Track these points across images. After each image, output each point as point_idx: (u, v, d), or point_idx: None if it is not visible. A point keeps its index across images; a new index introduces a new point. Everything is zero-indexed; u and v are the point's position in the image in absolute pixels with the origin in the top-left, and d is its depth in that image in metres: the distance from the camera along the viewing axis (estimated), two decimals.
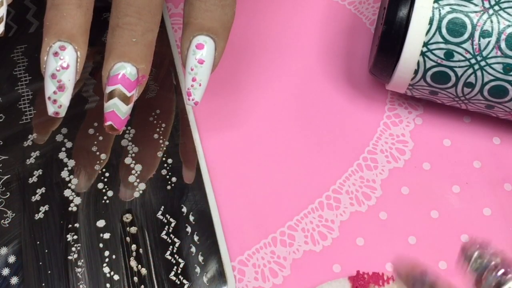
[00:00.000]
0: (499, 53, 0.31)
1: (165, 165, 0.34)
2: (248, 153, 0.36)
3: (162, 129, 0.35)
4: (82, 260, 0.32)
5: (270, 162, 0.35)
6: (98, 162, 0.34)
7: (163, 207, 0.34)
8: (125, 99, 0.29)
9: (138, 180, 0.34)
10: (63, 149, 0.35)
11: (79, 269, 0.32)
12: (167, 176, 0.34)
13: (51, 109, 0.29)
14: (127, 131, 0.35)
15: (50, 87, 0.29)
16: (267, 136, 0.36)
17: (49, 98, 0.29)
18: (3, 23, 0.29)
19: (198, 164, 0.35)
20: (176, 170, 0.34)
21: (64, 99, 0.29)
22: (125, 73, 0.29)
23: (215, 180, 0.35)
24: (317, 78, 0.38)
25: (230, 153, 0.36)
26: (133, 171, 0.34)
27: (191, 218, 0.33)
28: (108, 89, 0.29)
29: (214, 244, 0.33)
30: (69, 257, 0.32)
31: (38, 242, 0.32)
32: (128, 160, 0.35)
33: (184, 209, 0.33)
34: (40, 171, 0.34)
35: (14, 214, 0.33)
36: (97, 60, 0.37)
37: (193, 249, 0.33)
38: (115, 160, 0.34)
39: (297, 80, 0.38)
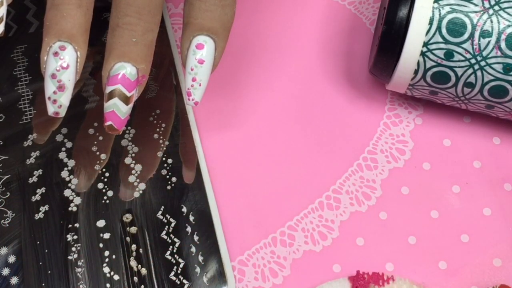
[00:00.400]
0: (499, 53, 0.31)
1: (165, 165, 0.34)
2: (248, 153, 0.36)
3: (162, 129, 0.35)
4: (82, 260, 0.32)
5: (270, 162, 0.35)
6: (98, 162, 0.34)
7: (163, 207, 0.34)
8: (125, 99, 0.29)
9: (138, 180, 0.34)
10: (63, 149, 0.35)
11: (79, 269, 0.32)
12: (167, 176, 0.34)
13: (51, 109, 0.29)
14: (127, 131, 0.35)
15: (50, 87, 0.29)
16: (267, 136, 0.36)
17: (49, 98, 0.29)
18: (3, 23, 0.29)
19: (198, 164, 0.35)
20: (176, 170, 0.34)
21: (64, 99, 0.29)
22: (125, 73, 0.29)
23: (215, 180, 0.35)
24: (317, 78, 0.38)
25: (230, 153, 0.36)
26: (133, 171, 0.34)
27: (191, 218, 0.33)
28: (108, 89, 0.29)
29: (214, 244, 0.33)
30: (69, 257, 0.32)
31: (38, 242, 0.32)
32: (128, 160, 0.35)
33: (184, 209, 0.33)
34: (40, 171, 0.34)
35: (14, 214, 0.33)
36: (97, 60, 0.37)
37: (193, 249, 0.33)
38: (115, 160, 0.34)
39: (297, 80, 0.38)
